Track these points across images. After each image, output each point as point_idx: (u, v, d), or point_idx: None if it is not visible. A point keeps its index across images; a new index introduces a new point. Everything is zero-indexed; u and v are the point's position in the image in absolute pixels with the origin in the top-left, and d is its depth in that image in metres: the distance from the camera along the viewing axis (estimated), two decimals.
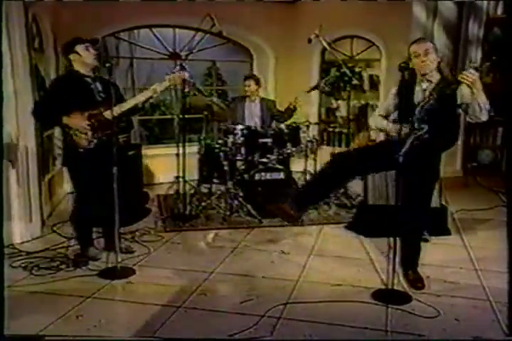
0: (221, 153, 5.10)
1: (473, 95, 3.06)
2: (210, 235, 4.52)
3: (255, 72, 7.20)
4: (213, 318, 2.94)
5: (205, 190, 5.40)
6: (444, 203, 4.53)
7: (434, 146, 3.25)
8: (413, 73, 3.27)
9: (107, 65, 3.48)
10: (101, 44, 5.60)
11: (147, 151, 6.26)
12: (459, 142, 6.89)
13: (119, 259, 3.55)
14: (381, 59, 6.75)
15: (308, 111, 6.95)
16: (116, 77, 6.25)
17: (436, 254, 3.89)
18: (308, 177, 5.52)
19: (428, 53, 3.17)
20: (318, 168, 5.58)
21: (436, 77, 3.25)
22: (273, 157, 5.12)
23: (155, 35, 6.70)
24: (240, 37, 7.02)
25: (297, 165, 5.73)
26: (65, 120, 3.45)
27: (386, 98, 3.56)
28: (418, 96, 3.25)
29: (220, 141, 5.23)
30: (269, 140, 5.10)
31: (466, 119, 3.30)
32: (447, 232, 4.45)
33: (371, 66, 7.05)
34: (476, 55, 6.78)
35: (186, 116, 4.96)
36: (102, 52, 3.51)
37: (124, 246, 3.93)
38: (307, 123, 5.34)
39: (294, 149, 5.20)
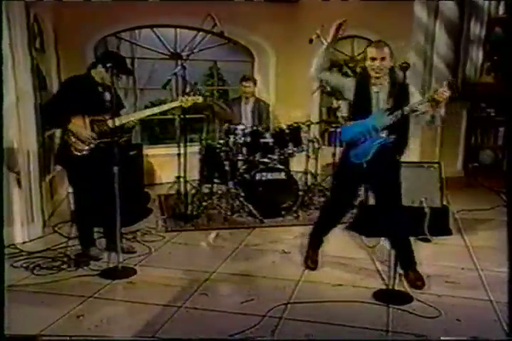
0: (222, 153, 5.11)
1: (435, 107, 3.16)
2: (211, 235, 4.52)
3: (256, 72, 7.20)
4: (214, 318, 2.94)
5: (206, 190, 5.39)
6: (445, 203, 4.52)
7: (397, 151, 3.38)
8: (366, 74, 3.37)
9: (108, 65, 3.49)
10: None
11: (148, 151, 6.27)
12: (461, 142, 6.93)
13: (121, 259, 3.55)
14: None
15: (310, 110, 6.94)
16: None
17: (438, 254, 3.89)
18: (309, 177, 5.54)
19: (385, 59, 3.25)
20: (319, 168, 5.63)
21: (386, 80, 3.34)
22: (274, 157, 5.12)
23: (156, 35, 6.70)
24: (241, 37, 7.02)
25: (298, 165, 5.74)
26: (71, 127, 3.49)
27: None
28: (374, 98, 3.34)
29: (221, 141, 5.24)
30: (270, 140, 5.10)
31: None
32: (449, 232, 4.45)
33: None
34: (478, 54, 6.78)
35: (187, 116, 4.96)
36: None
37: (126, 246, 3.93)
38: (308, 123, 5.34)
39: (295, 149, 5.20)
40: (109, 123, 3.53)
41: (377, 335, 2.76)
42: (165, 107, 3.74)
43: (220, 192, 5.35)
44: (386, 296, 3.16)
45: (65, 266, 3.63)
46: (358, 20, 6.52)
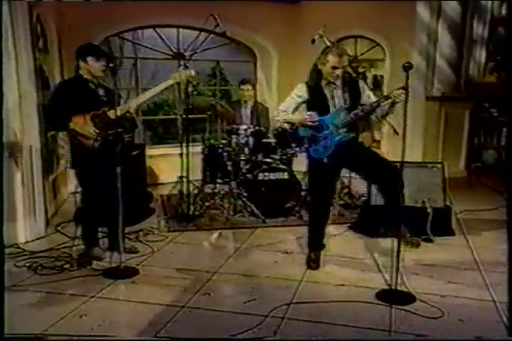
0: (225, 153, 5.11)
1: (393, 106, 3.38)
2: (214, 235, 4.52)
3: (259, 72, 7.21)
4: (217, 318, 2.94)
5: (209, 190, 5.40)
6: (448, 204, 4.51)
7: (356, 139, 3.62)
8: (319, 76, 3.49)
9: (111, 65, 3.50)
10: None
11: (151, 151, 6.27)
12: (464, 142, 6.92)
13: (123, 259, 3.56)
14: (385, 59, 6.74)
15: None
16: (120, 77, 6.29)
17: (441, 254, 3.89)
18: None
19: (345, 67, 3.42)
20: None
21: (339, 81, 3.49)
22: (276, 157, 5.12)
23: (159, 35, 6.71)
24: (243, 37, 7.03)
25: (301, 166, 5.73)
26: (73, 125, 3.51)
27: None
28: (329, 97, 3.49)
29: (223, 141, 5.24)
30: (272, 140, 5.09)
31: None
32: (451, 233, 4.44)
33: (375, 66, 7.05)
34: (481, 54, 6.77)
35: (190, 116, 4.96)
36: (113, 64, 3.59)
37: (128, 246, 3.94)
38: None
39: (297, 149, 5.19)
40: (110, 114, 3.57)
41: (380, 335, 2.75)
42: (161, 86, 3.68)
43: (222, 192, 5.35)
44: (389, 296, 3.16)
45: (67, 266, 3.64)
46: (361, 21, 6.55)
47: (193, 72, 3.86)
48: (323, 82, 3.50)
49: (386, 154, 5.29)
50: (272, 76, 7.28)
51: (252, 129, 5.12)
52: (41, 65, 4.80)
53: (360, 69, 6.96)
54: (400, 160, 3.18)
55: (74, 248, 3.96)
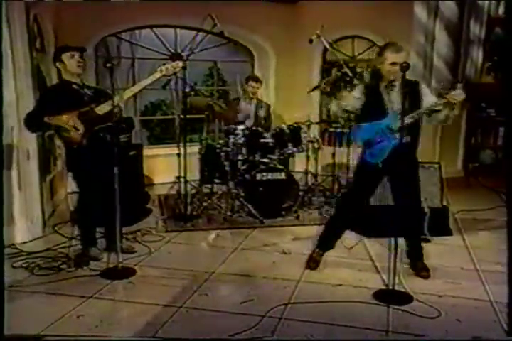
0: (222, 153, 5.11)
1: (451, 109, 3.24)
2: (211, 235, 4.52)
3: (256, 72, 7.20)
4: (214, 318, 2.94)
5: (207, 190, 5.40)
6: (445, 203, 4.52)
7: (412, 150, 3.46)
8: (378, 76, 3.40)
9: (108, 65, 3.50)
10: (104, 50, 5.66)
11: (148, 151, 6.26)
12: (461, 142, 6.93)
13: (120, 259, 3.55)
14: None
15: (310, 111, 6.93)
16: (117, 77, 6.28)
17: (438, 254, 3.89)
18: (309, 177, 5.53)
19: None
20: (319, 168, 5.62)
21: (398, 83, 3.35)
22: (274, 157, 5.12)
23: (156, 35, 6.71)
24: (241, 37, 7.02)
25: (298, 166, 5.73)
26: (49, 120, 3.49)
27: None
28: (387, 100, 3.37)
29: (221, 141, 5.24)
30: (270, 140, 5.10)
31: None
32: (449, 232, 4.45)
33: (372, 66, 7.05)
34: (478, 54, 6.78)
35: (187, 116, 4.96)
36: (86, 60, 3.61)
37: (125, 246, 3.93)
38: (308, 123, 5.34)
39: (295, 149, 5.19)
40: (97, 110, 3.56)
41: (378, 335, 2.75)
42: (148, 80, 3.67)
43: (220, 192, 5.34)
44: (386, 296, 3.16)
45: (64, 266, 3.63)
46: (358, 21, 6.55)
47: (180, 64, 3.78)
48: (382, 84, 3.39)
49: None
50: (270, 76, 7.27)
51: (249, 129, 5.11)
52: (38, 65, 4.79)
53: (358, 70, 6.95)
54: None
55: (71, 248, 3.95)
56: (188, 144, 4.92)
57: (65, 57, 3.57)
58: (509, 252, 2.79)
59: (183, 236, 4.48)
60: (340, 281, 3.44)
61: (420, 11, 6.34)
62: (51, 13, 5.28)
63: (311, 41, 5.31)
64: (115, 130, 3.58)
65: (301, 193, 5.08)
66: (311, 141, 5.35)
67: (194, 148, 5.42)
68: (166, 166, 5.88)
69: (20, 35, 4.04)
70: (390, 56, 3.28)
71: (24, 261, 3.71)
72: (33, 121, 3.56)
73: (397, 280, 3.20)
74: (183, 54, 6.42)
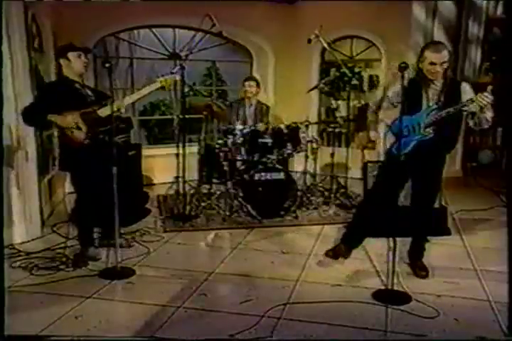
0: (221, 153, 5.11)
1: (482, 112, 3.23)
2: (210, 235, 4.52)
3: (255, 72, 7.21)
4: (213, 318, 2.93)
5: (205, 190, 5.39)
6: (444, 203, 4.53)
7: (439, 148, 3.40)
8: (421, 75, 3.35)
9: (107, 65, 3.49)
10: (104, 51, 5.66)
11: (147, 151, 6.26)
12: (459, 142, 6.93)
13: (119, 259, 3.55)
14: (381, 59, 6.75)
15: (308, 111, 6.94)
16: (116, 77, 6.28)
17: (436, 254, 3.89)
18: (308, 177, 5.53)
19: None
20: (318, 168, 5.62)
21: (440, 81, 3.32)
22: (273, 157, 5.11)
23: (155, 35, 6.70)
24: (239, 37, 7.02)
25: (297, 166, 5.73)
26: (54, 119, 3.49)
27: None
28: (425, 99, 3.35)
29: (219, 141, 5.23)
30: (269, 140, 5.10)
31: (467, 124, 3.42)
32: (447, 232, 4.44)
33: (371, 66, 7.06)
34: (476, 55, 6.79)
35: (186, 116, 4.96)
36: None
37: (121, 241, 3.90)
38: (307, 123, 5.34)
39: (293, 149, 5.19)
40: (99, 113, 3.58)
41: (376, 335, 2.75)
42: (147, 89, 3.74)
43: (218, 192, 5.34)
44: (385, 296, 3.16)
45: (63, 266, 3.62)
46: (357, 21, 6.56)
47: (177, 77, 3.97)
48: (422, 81, 3.36)
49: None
50: (268, 76, 7.27)
51: (247, 129, 5.11)
52: (36, 65, 4.78)
53: (356, 70, 6.96)
54: None
55: (69, 248, 3.95)
56: (186, 144, 4.91)
57: (71, 55, 3.58)
58: (509, 252, 2.79)
59: (181, 236, 4.48)
60: (339, 281, 3.44)
61: (419, 11, 6.35)
62: (49, 12, 5.27)
63: (309, 41, 5.32)
64: (113, 130, 3.58)
65: (299, 193, 5.08)
66: (310, 141, 5.35)
67: (193, 148, 5.42)
68: (164, 166, 5.88)
69: (18, 35, 4.03)
70: (430, 56, 3.25)
71: (23, 262, 3.70)
72: (32, 115, 3.55)
73: (395, 280, 3.21)
74: (181, 54, 6.41)
